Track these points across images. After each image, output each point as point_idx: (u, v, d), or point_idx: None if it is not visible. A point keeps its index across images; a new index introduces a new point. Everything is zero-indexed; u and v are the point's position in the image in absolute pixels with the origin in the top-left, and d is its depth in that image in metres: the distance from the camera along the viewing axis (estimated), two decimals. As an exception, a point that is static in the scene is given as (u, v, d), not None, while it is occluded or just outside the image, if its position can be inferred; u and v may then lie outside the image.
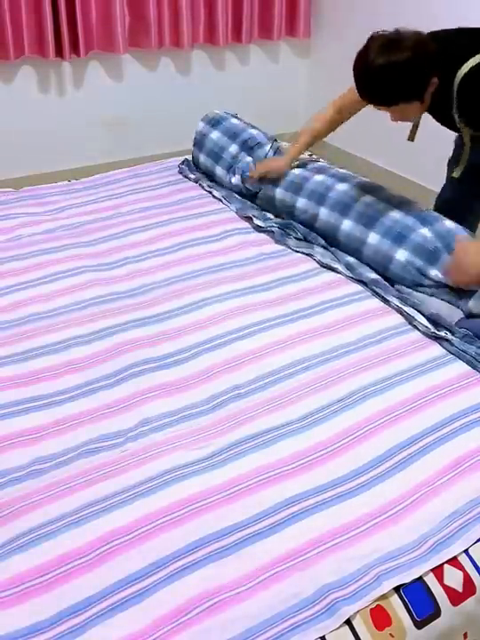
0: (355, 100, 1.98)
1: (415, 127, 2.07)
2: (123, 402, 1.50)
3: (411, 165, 3.46)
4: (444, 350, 1.65)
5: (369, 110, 1.95)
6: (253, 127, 2.56)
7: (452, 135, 2.14)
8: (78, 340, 1.69)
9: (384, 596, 1.11)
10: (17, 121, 3.48)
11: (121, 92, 3.69)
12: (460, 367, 1.59)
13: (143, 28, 3.52)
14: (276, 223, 2.22)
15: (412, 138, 2.10)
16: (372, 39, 1.73)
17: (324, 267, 2.02)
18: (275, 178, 2.29)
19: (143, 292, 1.89)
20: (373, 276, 1.93)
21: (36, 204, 2.39)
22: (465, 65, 1.75)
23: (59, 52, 3.36)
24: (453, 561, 1.17)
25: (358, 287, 1.91)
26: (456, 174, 2.10)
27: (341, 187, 2.13)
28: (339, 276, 1.98)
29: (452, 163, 2.20)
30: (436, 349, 1.66)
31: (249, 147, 2.47)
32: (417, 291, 1.86)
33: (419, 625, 1.10)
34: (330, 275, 1.98)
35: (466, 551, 1.18)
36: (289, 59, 4.05)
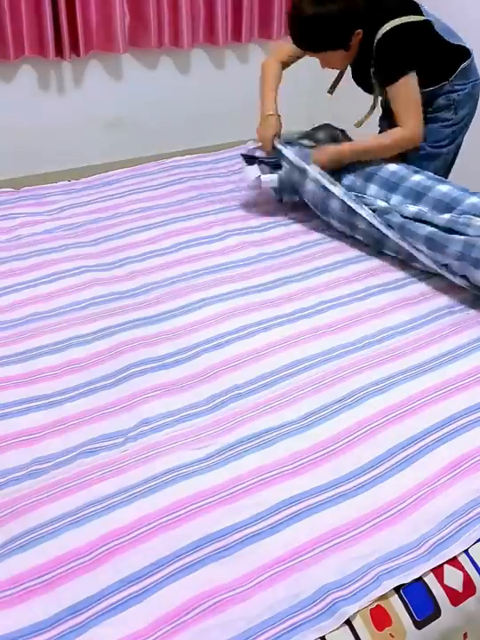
0: (290, 51, 2.25)
1: (336, 81, 2.34)
2: (123, 402, 1.50)
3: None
4: (444, 350, 1.65)
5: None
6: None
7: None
8: (78, 339, 1.69)
9: (384, 597, 1.11)
10: (17, 121, 3.48)
11: (121, 91, 3.68)
12: (460, 367, 1.60)
13: (143, 27, 3.51)
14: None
15: (331, 91, 2.37)
16: None
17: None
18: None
19: (143, 292, 1.89)
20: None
21: (35, 204, 2.39)
22: (386, 24, 1.96)
23: (59, 52, 3.36)
24: (453, 561, 1.17)
25: (358, 287, 1.91)
26: (357, 126, 2.27)
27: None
28: (339, 275, 1.98)
29: (383, 120, 2.39)
30: (436, 350, 1.66)
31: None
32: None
33: (419, 625, 1.10)
34: (330, 275, 1.98)
35: (466, 551, 1.18)
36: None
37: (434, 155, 2.22)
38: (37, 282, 1.93)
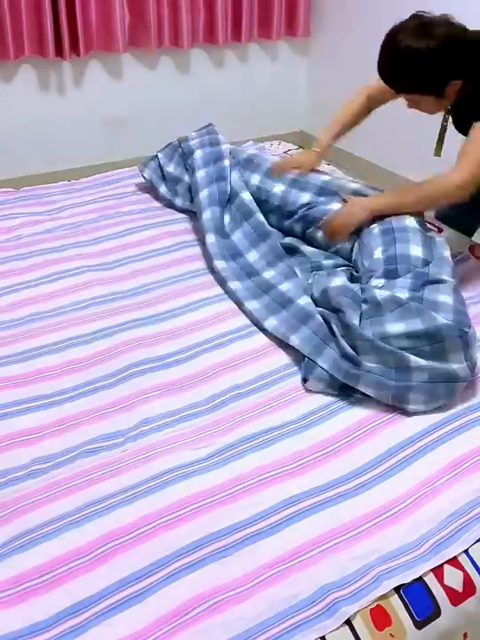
0: (382, 88, 1.90)
1: (440, 141, 2.01)
2: (122, 402, 1.50)
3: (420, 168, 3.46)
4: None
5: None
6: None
7: None
8: (78, 339, 1.69)
9: (384, 596, 1.11)
10: (17, 121, 3.48)
11: (121, 91, 3.69)
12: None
13: (143, 27, 3.51)
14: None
15: (437, 153, 2.02)
16: (412, 17, 1.69)
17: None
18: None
19: (143, 292, 1.89)
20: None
21: (36, 203, 2.39)
22: None
23: (59, 52, 3.36)
24: (453, 561, 1.17)
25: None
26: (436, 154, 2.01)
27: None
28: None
29: None
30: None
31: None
32: None
33: (419, 625, 1.10)
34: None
35: (466, 551, 1.18)
36: (288, 58, 4.05)
37: None
38: (37, 282, 1.93)
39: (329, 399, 1.49)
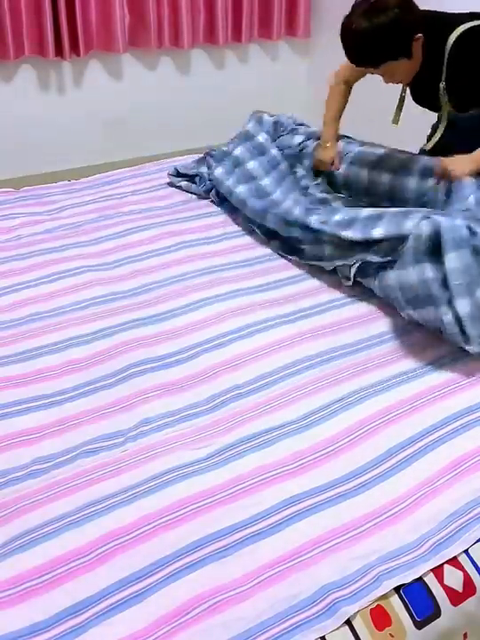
0: (353, 68, 2.03)
1: (399, 109, 2.16)
2: (123, 402, 1.50)
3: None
4: (443, 352, 1.64)
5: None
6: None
7: None
8: (79, 339, 1.69)
9: (384, 596, 1.11)
10: (17, 121, 3.49)
11: (121, 91, 3.69)
12: (460, 368, 1.59)
13: (143, 27, 3.52)
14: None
15: (396, 121, 2.20)
16: (355, 5, 1.80)
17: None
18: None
19: (143, 292, 1.89)
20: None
21: (36, 203, 2.39)
22: (456, 29, 1.82)
23: (59, 52, 3.36)
24: (453, 561, 1.17)
25: (357, 290, 1.91)
26: (427, 147, 2.18)
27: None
28: (338, 278, 1.98)
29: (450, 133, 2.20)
30: (437, 351, 1.65)
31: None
32: None
33: (419, 625, 1.10)
34: (329, 277, 1.97)
35: (466, 551, 1.18)
36: (289, 58, 4.06)
37: None
38: (37, 282, 1.93)
39: (329, 399, 1.49)
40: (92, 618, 1.06)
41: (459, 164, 1.92)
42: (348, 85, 2.25)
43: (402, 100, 2.16)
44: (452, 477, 1.31)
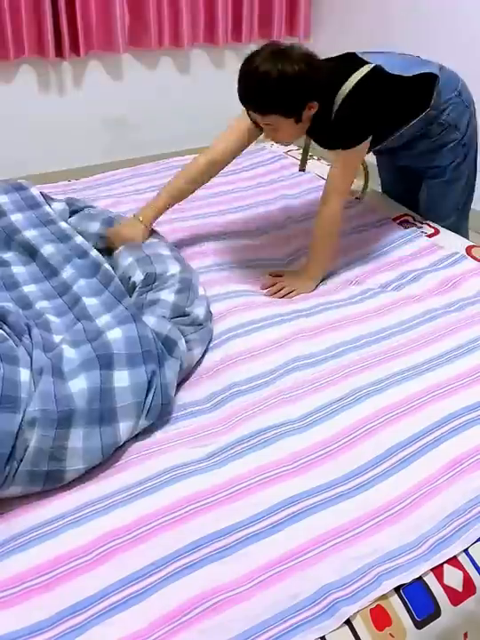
0: (237, 135, 1.96)
1: (304, 156, 2.20)
2: (123, 401, 1.49)
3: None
4: (443, 350, 1.65)
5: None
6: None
7: None
8: (78, 339, 1.68)
9: (384, 596, 1.11)
10: (17, 121, 3.49)
11: (121, 91, 3.69)
12: (460, 366, 1.59)
13: (143, 27, 3.52)
14: None
15: (302, 167, 2.23)
16: (265, 45, 1.75)
17: None
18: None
19: (143, 292, 1.89)
20: None
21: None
22: (343, 86, 1.80)
23: (59, 52, 3.37)
24: (453, 561, 1.17)
25: (357, 290, 1.91)
26: (360, 197, 2.32)
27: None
28: (339, 278, 1.98)
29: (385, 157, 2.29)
30: (436, 349, 1.65)
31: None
32: None
33: (419, 625, 1.10)
34: (328, 278, 1.98)
35: (466, 551, 1.18)
36: (289, 58, 4.06)
37: (456, 178, 2.13)
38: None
39: (329, 398, 1.49)
40: (92, 618, 1.06)
41: (301, 283, 1.91)
42: (219, 162, 2.01)
43: (305, 149, 2.18)
44: (452, 476, 1.31)
